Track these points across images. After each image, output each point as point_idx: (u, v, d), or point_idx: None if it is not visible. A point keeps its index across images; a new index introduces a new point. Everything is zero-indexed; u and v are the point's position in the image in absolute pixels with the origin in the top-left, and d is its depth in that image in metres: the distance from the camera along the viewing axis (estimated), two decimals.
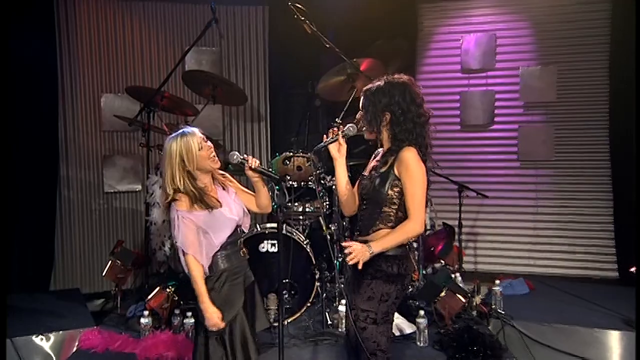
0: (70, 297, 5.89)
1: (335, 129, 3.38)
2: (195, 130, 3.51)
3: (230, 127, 7.00)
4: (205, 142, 3.51)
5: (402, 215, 3.23)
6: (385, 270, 3.24)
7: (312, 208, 5.54)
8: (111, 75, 6.58)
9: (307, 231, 5.61)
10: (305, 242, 5.30)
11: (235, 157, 3.48)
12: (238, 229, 3.63)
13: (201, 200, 3.43)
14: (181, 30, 6.73)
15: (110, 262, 5.54)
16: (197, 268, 3.41)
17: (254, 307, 3.65)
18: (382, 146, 3.40)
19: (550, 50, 6.70)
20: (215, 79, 5.40)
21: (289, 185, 5.36)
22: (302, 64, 6.73)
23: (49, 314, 5.33)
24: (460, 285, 5.51)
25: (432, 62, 7.08)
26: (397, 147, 3.24)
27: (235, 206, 3.59)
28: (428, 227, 6.06)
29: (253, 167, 3.50)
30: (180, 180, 3.41)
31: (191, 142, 3.44)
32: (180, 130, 3.49)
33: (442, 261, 5.97)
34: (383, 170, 3.28)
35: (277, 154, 5.61)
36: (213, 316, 3.40)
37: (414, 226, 3.15)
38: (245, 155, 3.52)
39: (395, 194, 3.23)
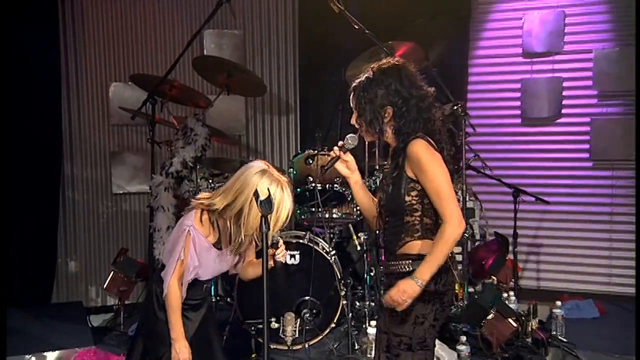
0: (71, 311, 5.95)
1: (336, 148, 3.28)
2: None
3: (255, 121, 6.95)
4: None
5: (429, 221, 3.11)
6: None
7: (340, 214, 5.44)
8: (121, 62, 6.61)
9: (334, 240, 5.51)
10: (331, 253, 5.21)
11: (273, 237, 3.28)
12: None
13: (222, 237, 3.33)
14: (199, 11, 6.70)
15: (111, 273, 5.55)
16: (178, 293, 3.33)
17: (210, 344, 3.57)
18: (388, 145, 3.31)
19: (629, 30, 6.42)
20: (230, 66, 5.32)
21: (311, 188, 5.27)
22: (337, 48, 6.60)
23: (47, 330, 5.39)
24: (514, 306, 5.33)
25: (488, 45, 6.90)
26: (403, 143, 3.13)
27: (228, 260, 3.47)
28: (477, 237, 5.88)
29: (277, 257, 3.34)
30: (250, 226, 3.22)
31: (287, 204, 3.22)
32: (284, 178, 3.31)
33: (494, 277, 5.78)
34: (395, 174, 3.16)
35: (300, 151, 5.51)
36: (183, 350, 3.33)
37: (452, 229, 2.99)
38: (280, 239, 3.35)
39: (415, 199, 3.10)
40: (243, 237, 3.24)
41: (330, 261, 5.13)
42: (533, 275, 6.78)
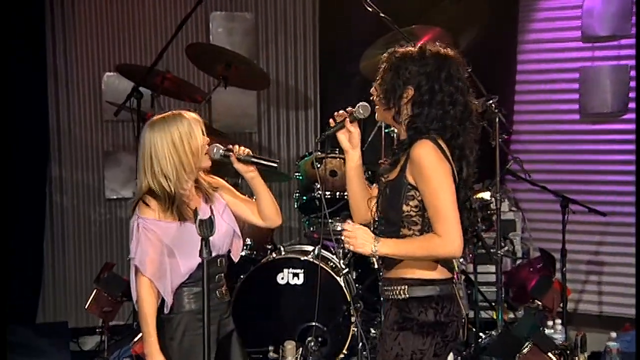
0: (54, 333, 6.02)
1: (343, 112, 3.26)
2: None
3: (268, 116, 6.96)
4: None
5: None
6: (417, 318, 3.06)
7: None
8: (115, 49, 6.67)
9: (348, 256, 5.44)
10: (342, 272, 5.17)
11: (215, 150, 3.40)
12: (219, 260, 3.51)
13: (174, 207, 3.33)
14: None
15: (94, 291, 5.56)
16: (149, 297, 3.31)
17: None
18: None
19: None
20: (228, 55, 5.36)
21: (318, 196, 5.22)
22: (363, 34, 6.51)
23: (23, 356, 5.44)
24: (559, 336, 5.27)
25: (541, 28, 6.79)
26: (410, 139, 3.08)
27: (219, 226, 3.40)
28: (519, 255, 5.74)
29: (242, 157, 3.41)
30: (172, 173, 3.32)
31: (196, 126, 3.37)
32: (173, 112, 3.43)
33: (538, 302, 5.65)
34: (394, 176, 3.12)
35: (307, 153, 5.49)
36: None
37: (444, 244, 2.97)
38: (229, 146, 3.46)
39: (414, 210, 3.05)
40: (172, 187, 3.31)
41: (339, 281, 5.07)
42: (594, 298, 6.65)
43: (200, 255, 2.80)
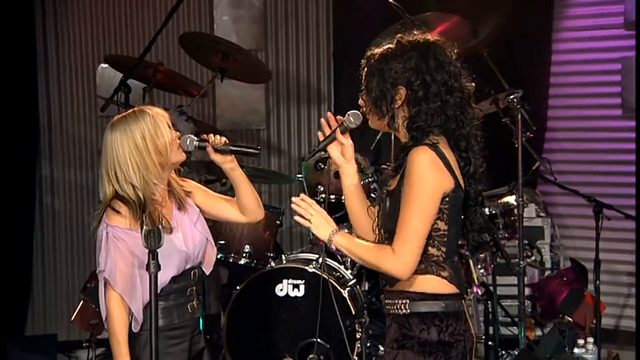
0: (41, 346, 6.04)
1: (331, 114, 3.27)
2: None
3: (277, 112, 6.94)
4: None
5: (436, 252, 3.03)
6: (418, 336, 3.04)
7: None
8: (112, 39, 6.73)
9: (357, 265, 5.41)
10: (348, 283, 5.14)
11: (188, 142, 3.45)
12: (192, 272, 3.54)
13: (145, 215, 3.32)
14: None
15: (81, 302, 5.56)
16: (120, 314, 3.31)
17: None
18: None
19: None
20: (225, 45, 5.36)
21: (321, 200, 5.16)
22: (380, 21, 6.45)
23: None
24: (591, 357, 5.21)
25: (578, 14, 6.67)
26: (413, 142, 3.05)
27: (193, 235, 3.51)
28: (548, 265, 5.70)
29: (219, 147, 3.44)
30: (138, 179, 3.35)
31: (161, 121, 3.40)
32: (135, 109, 3.48)
33: (569, 318, 5.58)
34: (393, 186, 3.11)
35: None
36: None
37: (392, 262, 2.97)
38: (204, 136, 3.50)
39: None
40: (140, 194, 3.33)
41: (343, 293, 5.02)
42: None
43: (147, 269, 2.81)
